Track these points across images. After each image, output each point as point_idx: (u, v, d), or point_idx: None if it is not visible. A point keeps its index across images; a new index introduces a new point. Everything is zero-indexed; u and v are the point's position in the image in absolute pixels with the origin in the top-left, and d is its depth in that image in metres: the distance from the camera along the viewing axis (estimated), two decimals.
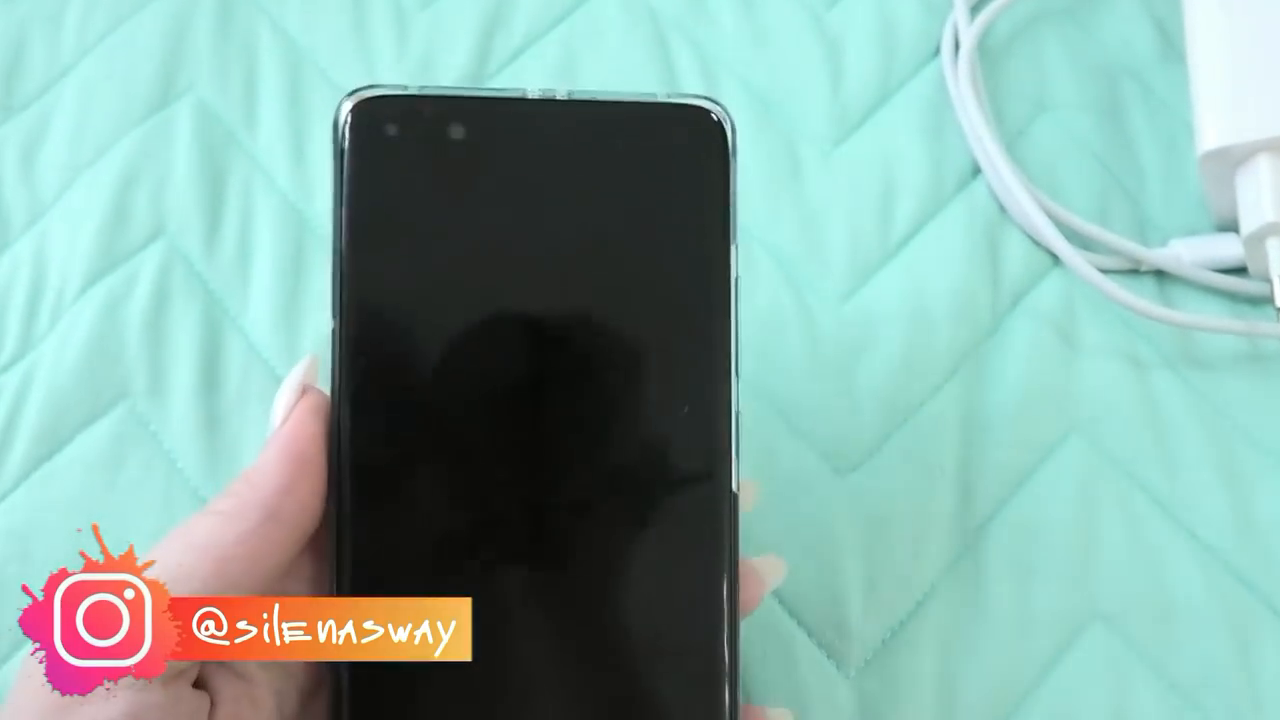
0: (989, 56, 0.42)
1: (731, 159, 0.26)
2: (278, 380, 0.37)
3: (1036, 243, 0.39)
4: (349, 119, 0.25)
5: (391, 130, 0.25)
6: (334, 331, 0.25)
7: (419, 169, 0.25)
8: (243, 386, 0.37)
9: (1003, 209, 0.40)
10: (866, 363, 0.37)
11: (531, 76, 0.42)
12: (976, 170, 0.40)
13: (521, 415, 0.25)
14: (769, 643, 0.34)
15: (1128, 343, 0.38)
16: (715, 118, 0.26)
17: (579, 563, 0.25)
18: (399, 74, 0.42)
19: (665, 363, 0.25)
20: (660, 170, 0.25)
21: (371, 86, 0.25)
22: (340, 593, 0.25)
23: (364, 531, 0.25)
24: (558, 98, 0.25)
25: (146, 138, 0.40)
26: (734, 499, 0.25)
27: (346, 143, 0.25)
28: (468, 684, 0.25)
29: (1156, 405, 0.37)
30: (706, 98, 0.26)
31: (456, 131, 0.25)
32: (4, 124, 0.42)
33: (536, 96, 0.25)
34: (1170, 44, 0.42)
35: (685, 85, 0.42)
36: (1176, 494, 0.36)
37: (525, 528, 0.25)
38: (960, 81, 0.40)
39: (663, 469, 0.25)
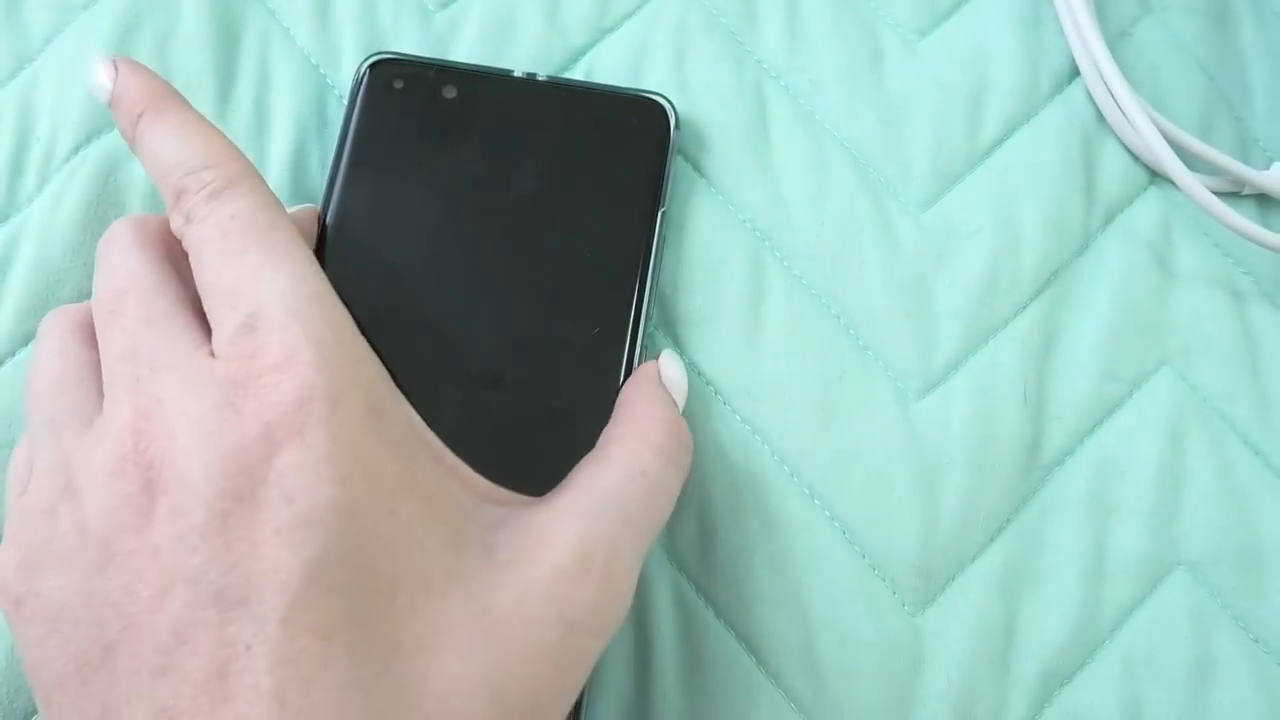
0: None
1: (670, 141, 0.33)
2: None
3: (1135, 156, 0.36)
4: (366, 74, 0.33)
5: (398, 85, 0.33)
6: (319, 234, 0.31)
7: (413, 117, 0.32)
8: None
9: (1101, 117, 0.36)
10: (945, 278, 0.34)
11: None
12: (1075, 72, 0.37)
13: (469, 303, 0.31)
14: (832, 573, 0.31)
15: (1226, 271, 0.35)
16: (660, 107, 0.33)
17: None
18: None
19: (584, 280, 0.31)
20: (610, 143, 0.32)
21: (390, 53, 0.33)
22: None
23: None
24: (538, 79, 0.33)
25: None
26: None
27: (361, 91, 0.33)
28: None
29: (1254, 340, 0.34)
30: (658, 93, 0.33)
31: (449, 93, 0.33)
32: None
33: (520, 76, 0.33)
34: None
35: None
36: (1271, 436, 0.33)
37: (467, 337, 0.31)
38: None
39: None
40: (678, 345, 0.33)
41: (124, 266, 0.26)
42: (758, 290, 0.34)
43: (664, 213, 0.32)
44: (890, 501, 0.32)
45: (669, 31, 0.36)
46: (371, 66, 0.33)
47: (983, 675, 0.31)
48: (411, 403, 0.26)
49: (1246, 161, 0.36)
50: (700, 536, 0.32)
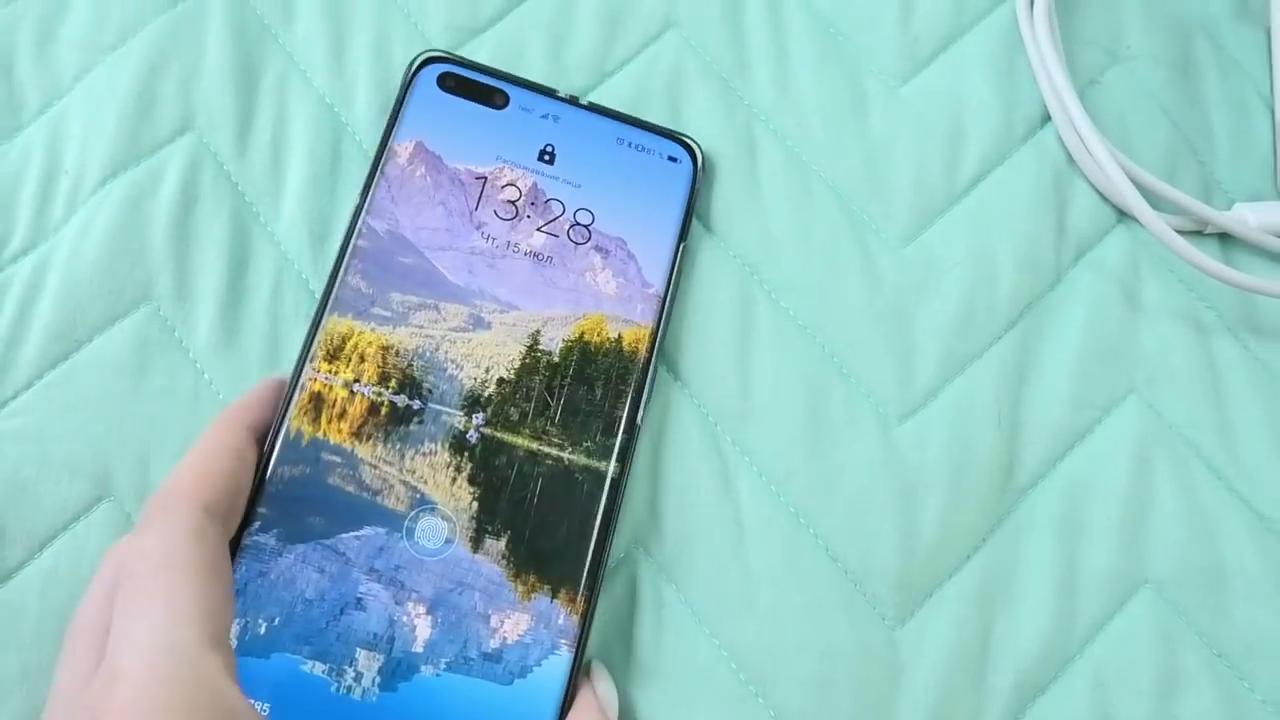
0: (1063, 0, 0.41)
1: (697, 179, 0.36)
2: (311, 295, 0.35)
3: (1103, 196, 0.38)
4: (416, 68, 0.35)
5: (449, 84, 0.35)
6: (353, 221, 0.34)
7: (459, 120, 0.35)
8: (274, 300, 0.35)
9: (1071, 160, 0.38)
10: (924, 309, 0.36)
11: None
12: (1046, 117, 0.39)
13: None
14: (815, 588, 0.33)
15: (1190, 305, 0.37)
16: (689, 146, 0.36)
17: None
18: None
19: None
20: (638, 172, 0.35)
21: (442, 51, 0.36)
22: None
23: None
24: (581, 103, 0.36)
25: (176, 23, 0.38)
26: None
27: (411, 86, 0.35)
28: None
29: (1217, 370, 0.36)
30: (689, 136, 0.36)
31: (499, 100, 0.36)
32: (15, 0, 0.39)
33: (563, 96, 0.36)
34: (1244, 3, 0.41)
35: (748, 11, 0.40)
36: (1233, 462, 0.35)
37: None
38: (1035, 24, 0.39)
39: None
40: (670, 371, 0.35)
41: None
42: (747, 320, 0.36)
43: (685, 246, 0.35)
44: (871, 520, 0.34)
45: (665, 76, 0.38)
46: (422, 64, 0.35)
47: (959, 687, 0.33)
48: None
49: (1209, 202, 0.38)
50: (688, 551, 0.33)
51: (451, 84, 0.35)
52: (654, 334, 0.34)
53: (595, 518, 0.31)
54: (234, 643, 0.28)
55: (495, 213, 0.34)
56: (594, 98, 0.38)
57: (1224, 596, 0.34)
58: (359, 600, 0.29)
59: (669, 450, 0.34)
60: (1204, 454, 0.35)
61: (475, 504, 0.31)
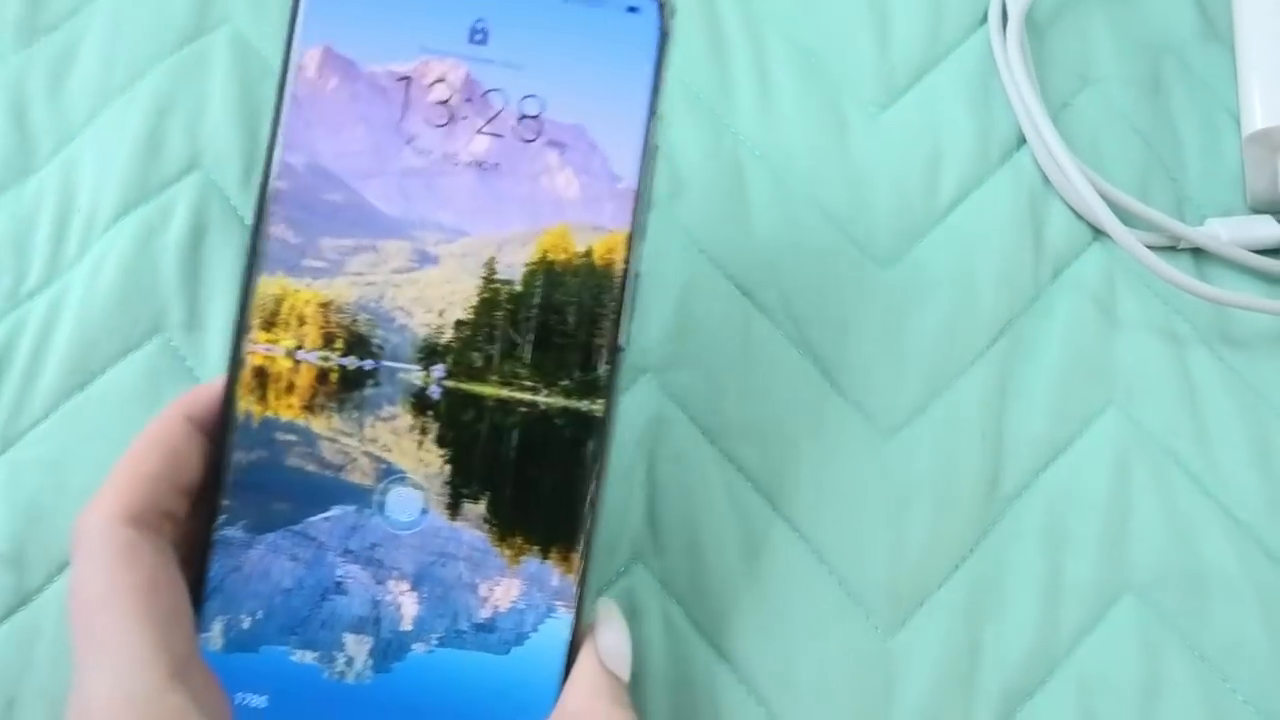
0: (1035, 27, 0.42)
1: (665, 31, 0.29)
2: None
3: (1078, 215, 0.39)
4: None
5: None
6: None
7: (368, 7, 0.29)
8: None
9: (1046, 180, 0.40)
10: (910, 328, 0.38)
11: None
12: (1021, 141, 0.40)
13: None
14: (809, 598, 0.34)
15: (1165, 319, 0.38)
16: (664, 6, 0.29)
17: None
18: None
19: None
20: (591, 35, 0.29)
21: None
22: None
23: None
24: None
25: (182, 66, 0.40)
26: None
27: None
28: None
29: (1192, 381, 0.38)
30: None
31: None
32: (30, 46, 0.40)
33: None
34: (1211, 24, 0.43)
35: (732, 43, 0.41)
36: (1210, 469, 0.36)
37: None
38: (1009, 51, 0.40)
39: None
40: (668, 389, 0.36)
41: None
42: (742, 339, 0.37)
43: (657, 121, 0.29)
44: (863, 532, 0.35)
45: None
46: None
47: (949, 693, 0.34)
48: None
49: (1182, 218, 0.40)
50: (688, 564, 0.35)
51: None
52: (629, 238, 0.29)
53: (582, 465, 0.29)
54: (219, 641, 0.27)
55: (426, 119, 0.29)
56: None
57: (1204, 601, 0.35)
58: (338, 584, 0.28)
59: (668, 467, 0.35)
60: (1182, 462, 0.37)
61: (447, 467, 0.28)
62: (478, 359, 0.29)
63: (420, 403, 0.28)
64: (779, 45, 0.41)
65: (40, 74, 0.40)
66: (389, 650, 0.28)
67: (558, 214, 0.29)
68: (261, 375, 0.28)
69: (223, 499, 0.28)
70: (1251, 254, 0.39)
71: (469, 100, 0.29)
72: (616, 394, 0.29)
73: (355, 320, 0.29)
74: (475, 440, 0.29)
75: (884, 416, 0.37)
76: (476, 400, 0.29)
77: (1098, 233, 0.39)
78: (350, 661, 0.28)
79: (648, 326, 0.37)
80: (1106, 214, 0.37)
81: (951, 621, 0.35)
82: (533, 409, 0.29)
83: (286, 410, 0.28)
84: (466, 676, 0.28)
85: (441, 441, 0.28)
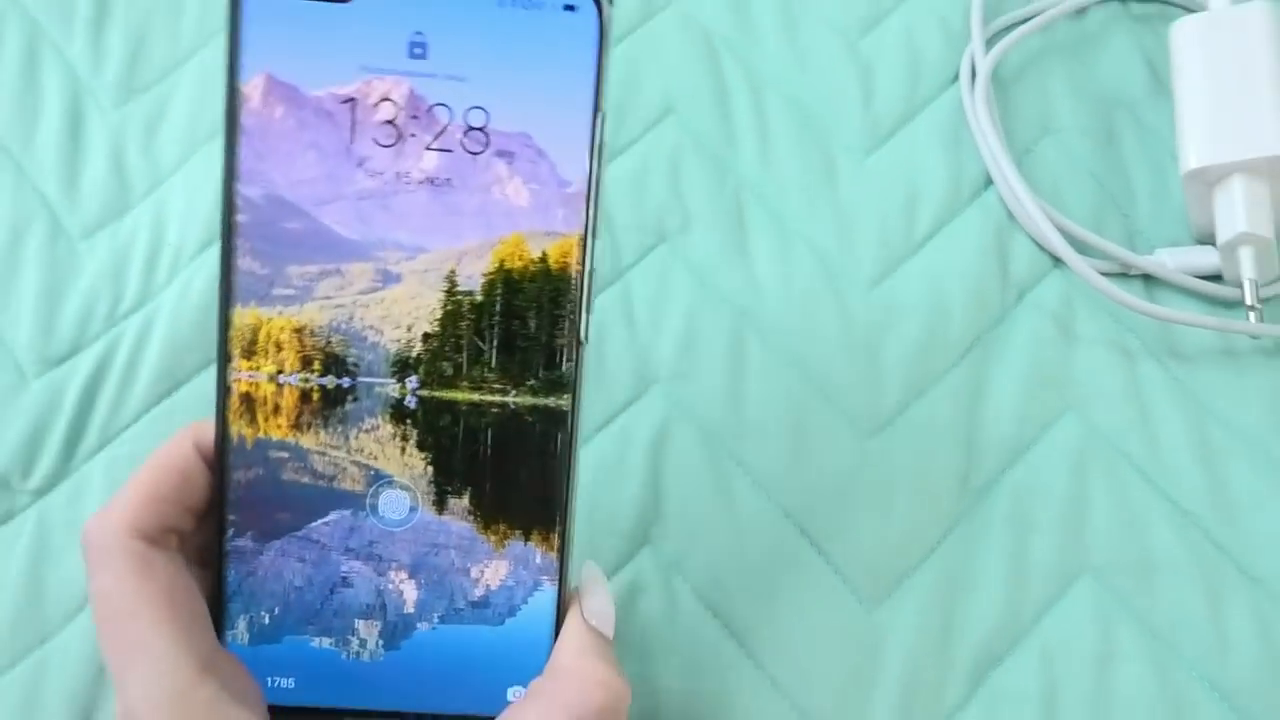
0: (1001, 84, 0.48)
1: (605, 28, 0.29)
2: None
3: (1040, 246, 0.45)
4: None
5: None
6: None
7: (304, 30, 0.28)
8: None
9: (1011, 216, 0.45)
10: (890, 343, 0.43)
11: None
12: (989, 182, 0.46)
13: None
14: (802, 576, 0.39)
15: (1118, 335, 0.43)
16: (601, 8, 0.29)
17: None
18: None
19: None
20: (530, 38, 0.29)
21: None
22: None
23: None
24: None
25: None
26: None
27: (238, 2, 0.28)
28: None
29: (1142, 390, 0.42)
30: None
31: None
32: (128, 103, 0.47)
33: None
34: (1159, 80, 0.48)
35: (734, 97, 0.47)
36: (1158, 466, 0.41)
37: None
38: (976, 105, 0.46)
39: None
40: (674, 398, 0.42)
41: None
42: (739, 352, 0.42)
43: (603, 117, 0.29)
44: (849, 520, 0.40)
45: (666, 153, 0.46)
46: None
47: (926, 661, 0.38)
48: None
49: (1134, 249, 0.45)
50: (692, 545, 0.39)
51: None
52: (583, 239, 0.29)
53: (553, 455, 0.30)
54: (245, 635, 0.30)
55: (375, 140, 0.29)
56: (605, 175, 0.45)
57: (1153, 581, 0.39)
58: (344, 579, 0.30)
59: (673, 461, 0.41)
60: (1133, 460, 0.41)
61: (430, 468, 0.30)
62: (448, 368, 0.30)
63: (399, 412, 0.30)
64: (776, 100, 0.47)
65: (136, 127, 0.46)
66: (396, 630, 0.30)
67: (511, 223, 0.30)
68: (248, 400, 0.30)
69: (229, 514, 0.30)
70: (1195, 279, 0.44)
71: (415, 117, 0.29)
72: (581, 387, 0.30)
73: (329, 342, 0.30)
74: (453, 442, 0.30)
75: (866, 419, 0.42)
76: (451, 405, 0.30)
77: (1057, 261, 0.44)
78: (364, 643, 0.30)
79: (659, 344, 0.42)
80: (1063, 245, 0.43)
81: (928, 598, 0.39)
82: (503, 409, 0.30)
83: (276, 430, 0.30)
84: (467, 647, 0.30)
85: (422, 446, 0.30)
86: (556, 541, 0.31)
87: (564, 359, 0.30)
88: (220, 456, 0.29)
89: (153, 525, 0.28)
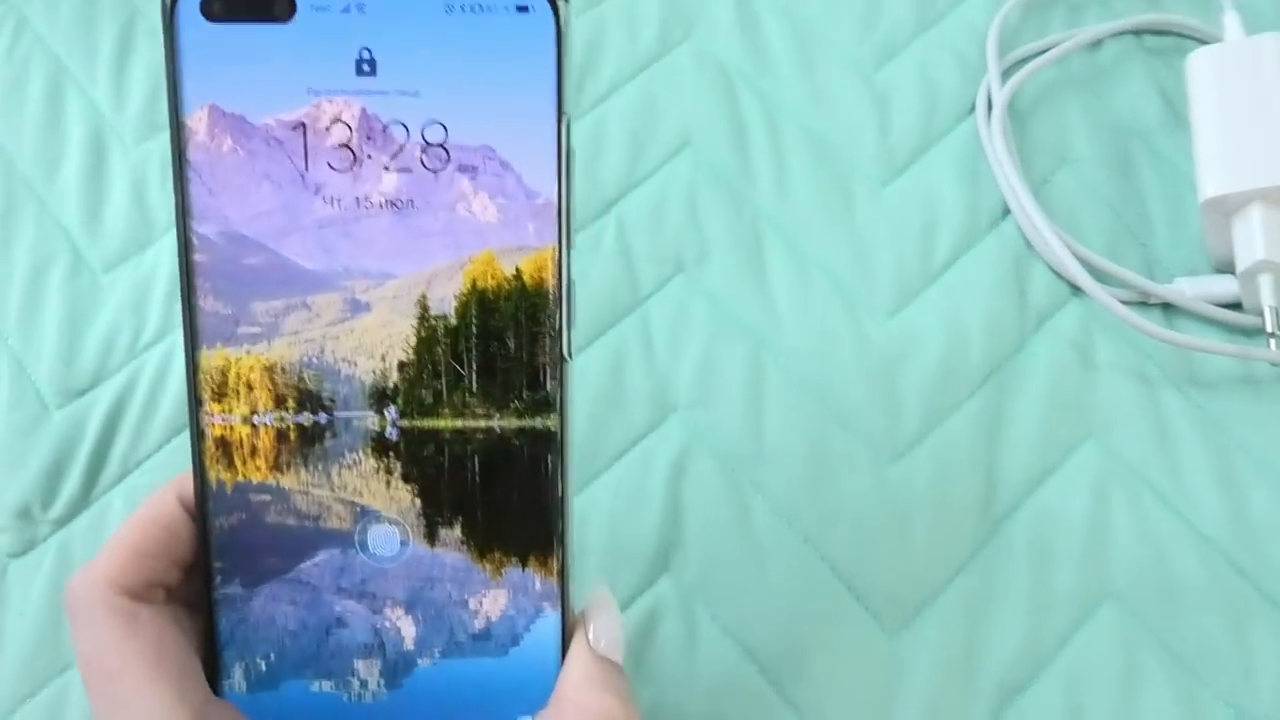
0: (1017, 115, 0.48)
1: (561, 28, 0.27)
2: None
3: (1058, 275, 0.45)
4: (172, 3, 0.27)
5: (215, 9, 0.27)
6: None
7: (246, 56, 0.27)
8: None
9: (1029, 245, 0.45)
10: (909, 370, 0.43)
11: (616, 116, 0.48)
12: (1006, 211, 0.46)
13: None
14: (823, 603, 0.39)
15: (1138, 363, 0.43)
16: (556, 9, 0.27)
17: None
18: None
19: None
20: (483, 45, 0.27)
21: None
22: None
23: None
24: None
25: None
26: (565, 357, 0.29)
27: (175, 31, 0.27)
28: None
29: (1162, 417, 0.42)
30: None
31: (281, 9, 0.27)
32: (149, 139, 0.47)
33: None
34: (1174, 112, 0.49)
35: (752, 129, 0.48)
36: (1179, 493, 0.41)
37: None
38: (993, 136, 0.46)
39: None
40: (692, 425, 0.42)
41: None
42: (757, 380, 0.42)
43: (567, 122, 0.28)
44: (869, 545, 0.40)
45: (683, 184, 0.46)
46: None
47: (949, 687, 0.38)
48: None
49: (1153, 278, 0.45)
50: (712, 571, 0.39)
51: (218, 8, 0.27)
52: (558, 251, 0.28)
53: (544, 477, 0.29)
54: (243, 684, 0.29)
55: (330, 165, 0.28)
56: (622, 206, 0.46)
57: (1176, 606, 0.39)
58: (339, 619, 0.29)
59: (693, 488, 0.41)
60: (1154, 487, 0.41)
61: (417, 500, 0.29)
62: (427, 396, 0.29)
63: (380, 445, 0.29)
64: (793, 132, 0.48)
65: (157, 161, 0.47)
66: (397, 668, 0.29)
67: (480, 241, 0.28)
68: (224, 444, 0.28)
69: (215, 561, 0.29)
70: (1214, 307, 0.44)
71: (370, 138, 0.28)
72: (568, 405, 0.29)
73: (302, 378, 0.29)
74: (439, 471, 0.29)
75: (886, 446, 0.42)
76: (433, 434, 0.29)
77: (1075, 290, 0.45)
78: (364, 684, 0.29)
79: (677, 373, 0.43)
80: (1083, 273, 0.43)
81: (950, 624, 0.39)
82: (489, 434, 0.29)
83: (255, 473, 0.29)
84: (471, 680, 0.29)
85: (407, 478, 0.29)
86: (556, 566, 0.29)
87: (548, 378, 0.29)
88: (200, 503, 0.28)
89: (137, 581, 0.27)
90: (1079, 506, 0.41)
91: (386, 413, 0.29)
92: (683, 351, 0.43)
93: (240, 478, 0.28)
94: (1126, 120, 0.48)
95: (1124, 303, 0.44)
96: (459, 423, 0.29)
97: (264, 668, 0.29)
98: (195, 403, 0.28)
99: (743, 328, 0.43)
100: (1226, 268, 0.45)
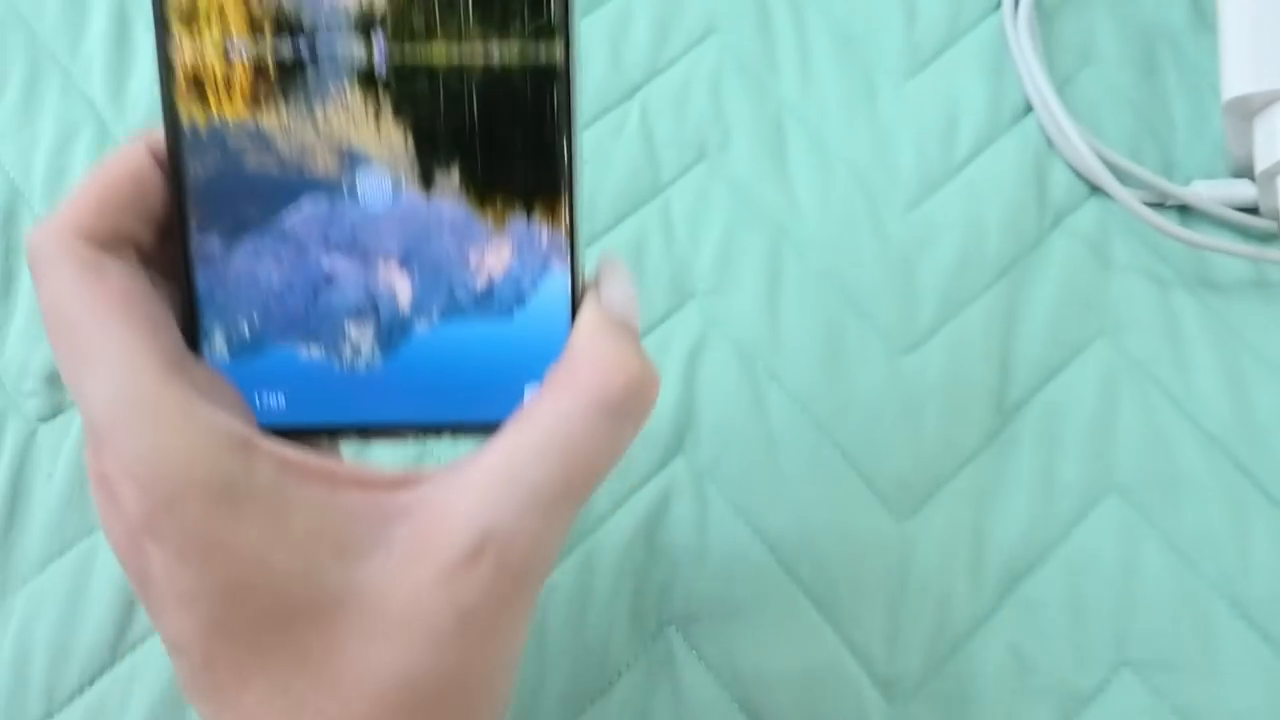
0: (1044, 12, 0.48)
1: None
2: None
3: (1078, 174, 0.45)
4: None
5: None
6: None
7: None
8: None
9: (1050, 143, 0.45)
10: (926, 262, 0.43)
11: (641, 1, 0.48)
12: (1028, 108, 0.46)
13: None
14: (834, 488, 0.40)
15: (1152, 264, 0.44)
16: None
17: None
18: None
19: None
20: None
21: None
22: None
23: None
24: None
25: None
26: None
27: None
28: None
29: (1174, 317, 0.43)
30: None
31: None
32: None
33: None
34: (1201, 14, 0.48)
35: (776, 18, 0.47)
36: (1186, 391, 0.42)
37: None
38: (1019, 32, 0.46)
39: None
40: (711, 312, 0.42)
41: None
42: (777, 268, 0.43)
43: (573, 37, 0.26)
44: (881, 434, 0.41)
45: (708, 72, 0.46)
46: None
47: (956, 571, 0.39)
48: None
49: (1170, 180, 0.45)
50: (726, 455, 0.40)
51: None
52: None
53: (551, 115, 0.27)
54: (225, 349, 0.27)
55: None
56: (646, 92, 0.46)
57: (1178, 499, 0.40)
58: (327, 277, 0.27)
59: (708, 373, 0.41)
60: (1162, 384, 0.42)
61: (410, 141, 0.27)
62: (419, 21, 0.26)
63: (367, 78, 0.26)
64: (819, 24, 0.47)
65: None
66: (392, 333, 0.27)
67: None
68: (195, 78, 0.26)
69: (189, 213, 0.26)
70: (1231, 210, 0.44)
71: None
72: (575, 34, 0.26)
73: (279, 1, 0.26)
74: (434, 108, 0.26)
75: (901, 337, 0.42)
76: (426, 65, 0.26)
77: (1094, 189, 0.45)
78: (357, 350, 0.27)
79: (697, 259, 0.43)
80: (1104, 171, 0.43)
81: (958, 511, 0.40)
82: (487, 65, 0.26)
83: (231, 111, 0.26)
84: (474, 346, 0.27)
85: (398, 115, 0.26)
86: (564, 214, 0.27)
87: (552, 3, 0.26)
88: (172, 146, 0.26)
89: (104, 230, 0.25)
90: (1088, 401, 0.42)
91: (375, 40, 0.26)
92: (703, 238, 0.43)
93: (215, 117, 0.26)
94: (1153, 20, 0.48)
95: (1143, 203, 0.44)
96: (454, 50, 0.26)
97: (247, 331, 0.27)
98: (162, 29, 0.25)
99: (762, 217, 0.44)
100: (1246, 173, 0.45)
